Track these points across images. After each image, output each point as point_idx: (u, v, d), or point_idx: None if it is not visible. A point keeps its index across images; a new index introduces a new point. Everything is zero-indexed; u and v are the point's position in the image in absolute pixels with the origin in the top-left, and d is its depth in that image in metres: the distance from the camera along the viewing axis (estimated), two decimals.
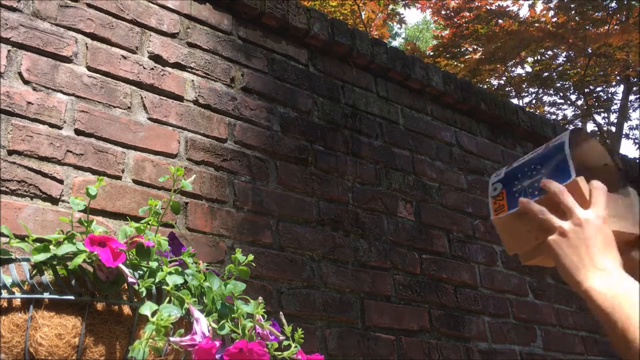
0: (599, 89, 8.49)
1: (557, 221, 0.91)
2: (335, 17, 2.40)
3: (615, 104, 8.68)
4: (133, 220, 1.38)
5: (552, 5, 7.15)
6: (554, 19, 7.17)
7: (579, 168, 1.12)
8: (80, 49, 1.51)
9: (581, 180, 1.06)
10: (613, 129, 8.66)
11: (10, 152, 1.32)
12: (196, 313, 1.00)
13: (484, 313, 2.15)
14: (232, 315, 1.09)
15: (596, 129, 9.03)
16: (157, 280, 1.01)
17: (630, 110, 8.85)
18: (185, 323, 1.04)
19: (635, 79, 8.03)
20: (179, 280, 1.02)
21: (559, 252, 0.89)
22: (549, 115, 8.98)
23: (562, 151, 1.12)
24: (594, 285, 0.81)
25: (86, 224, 1.05)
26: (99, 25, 1.57)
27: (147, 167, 1.53)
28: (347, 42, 2.11)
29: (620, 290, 0.78)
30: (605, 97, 8.66)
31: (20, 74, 1.39)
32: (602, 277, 0.82)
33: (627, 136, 8.86)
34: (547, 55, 7.88)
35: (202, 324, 0.98)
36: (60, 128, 1.41)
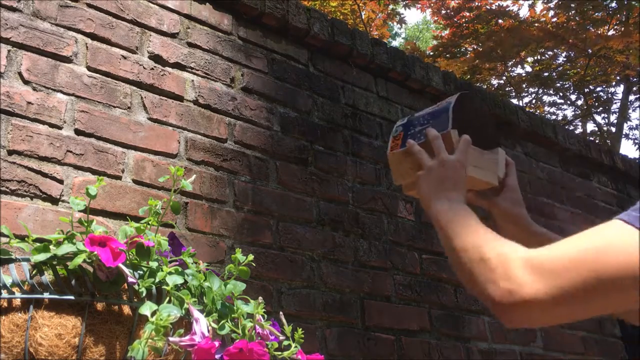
0: (599, 89, 8.49)
1: (427, 160, 1.17)
2: (335, 17, 2.40)
3: (615, 104, 8.68)
4: (133, 220, 1.37)
5: (552, 5, 7.15)
6: (554, 19, 7.17)
7: (466, 125, 1.43)
8: (80, 49, 1.51)
9: (453, 132, 1.36)
10: (613, 129, 8.67)
11: (10, 152, 1.32)
12: (196, 313, 1.00)
13: (484, 313, 2.15)
14: (232, 315, 1.09)
15: (596, 129, 9.02)
16: (157, 280, 1.01)
17: (630, 110, 8.85)
18: (185, 323, 1.04)
19: (635, 79, 8.03)
20: (179, 280, 1.02)
21: (422, 184, 1.14)
22: (549, 115, 8.98)
23: (447, 109, 1.43)
24: (439, 208, 1.05)
25: (86, 224, 1.05)
26: (99, 25, 1.57)
27: (147, 167, 1.53)
28: (347, 42, 2.11)
29: (457, 212, 1.01)
30: (605, 97, 8.66)
31: (20, 74, 1.39)
32: (446, 203, 1.05)
33: (627, 136, 8.86)
34: (547, 55, 7.87)
35: (202, 324, 0.98)
36: (60, 128, 1.41)
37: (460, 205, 1.04)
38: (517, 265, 0.79)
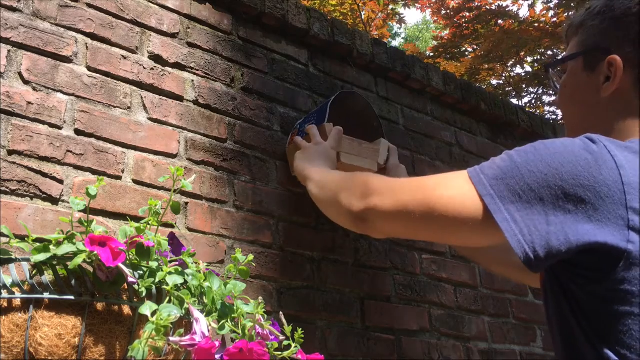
0: None
1: (304, 144, 1.54)
2: (335, 17, 2.40)
3: None
4: (133, 220, 1.38)
5: (552, 5, 7.15)
6: (554, 19, 7.17)
7: (347, 120, 1.74)
8: (80, 49, 1.51)
9: (328, 125, 1.65)
10: None
11: (10, 152, 1.32)
12: (196, 313, 1.00)
13: (484, 313, 2.15)
14: (232, 315, 1.09)
15: None
16: (157, 280, 1.01)
17: None
18: (185, 323, 1.04)
19: None
20: (179, 280, 1.02)
21: (297, 160, 1.45)
22: (548, 115, 8.98)
23: (327, 106, 1.70)
24: (312, 171, 1.33)
25: (86, 224, 1.05)
26: (99, 25, 1.57)
27: (147, 167, 1.53)
28: (347, 42, 2.11)
29: (328, 171, 1.31)
30: None
31: (20, 74, 1.39)
32: (317, 170, 1.33)
33: None
34: (546, 55, 7.88)
35: (202, 324, 0.98)
36: (60, 128, 1.41)
37: (329, 169, 1.34)
38: (374, 184, 1.00)
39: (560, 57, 1.09)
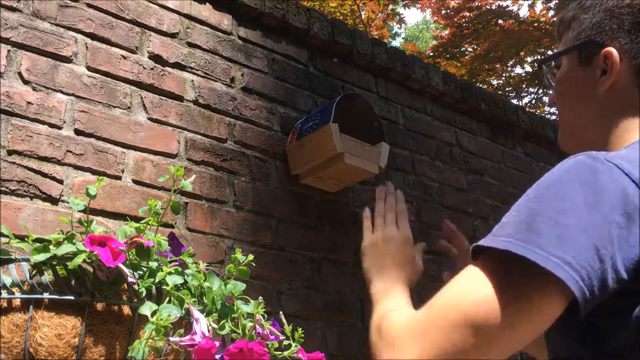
0: None
1: (368, 235, 1.15)
2: (335, 17, 2.40)
3: None
4: (133, 220, 1.37)
5: (552, 5, 7.15)
6: (554, 19, 7.16)
7: (351, 121, 1.74)
8: (80, 49, 1.51)
9: (333, 125, 1.66)
10: None
11: (10, 152, 1.32)
12: (196, 313, 1.00)
13: None
14: (232, 315, 1.09)
15: None
16: (157, 280, 1.01)
17: None
18: (185, 323, 1.04)
19: None
20: (178, 280, 1.02)
21: (365, 257, 1.12)
22: (548, 115, 8.97)
23: (332, 106, 1.71)
24: (374, 289, 1.04)
25: (86, 224, 1.05)
26: (99, 25, 1.56)
27: (147, 167, 1.52)
28: (347, 42, 2.11)
29: (384, 295, 1.03)
30: None
31: (20, 74, 1.39)
32: (381, 284, 1.05)
33: None
34: (546, 55, 7.87)
35: (202, 324, 0.98)
36: (60, 128, 1.41)
37: (395, 287, 1.05)
38: (398, 333, 0.80)
39: (553, 53, 1.05)
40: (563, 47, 1.03)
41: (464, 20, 7.61)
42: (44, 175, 1.35)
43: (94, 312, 0.96)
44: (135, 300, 1.00)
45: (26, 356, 0.91)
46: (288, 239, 1.74)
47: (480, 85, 7.86)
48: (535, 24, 7.11)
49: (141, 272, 1.02)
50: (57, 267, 0.97)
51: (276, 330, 1.14)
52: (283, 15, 1.94)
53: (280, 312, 1.34)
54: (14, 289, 0.95)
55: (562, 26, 1.06)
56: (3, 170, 1.30)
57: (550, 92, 1.06)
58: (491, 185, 2.48)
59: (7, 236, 1.03)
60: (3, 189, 1.28)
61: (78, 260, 0.94)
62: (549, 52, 7.76)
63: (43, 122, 1.39)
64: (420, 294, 1.97)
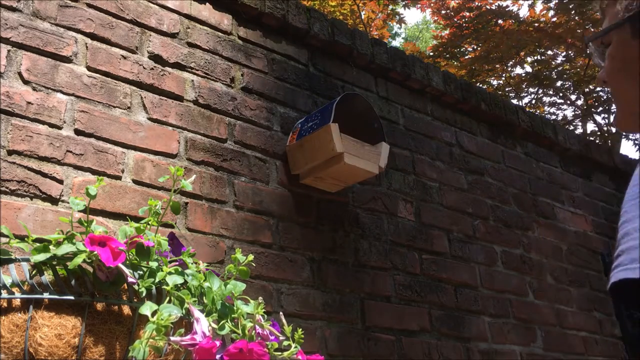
0: (599, 89, 8.48)
1: None
2: (335, 17, 2.40)
3: None
4: (133, 220, 1.37)
5: (552, 5, 7.15)
6: (554, 19, 7.17)
7: (350, 121, 1.76)
8: (80, 49, 1.51)
9: (333, 125, 1.68)
10: (613, 129, 8.66)
11: (10, 152, 1.32)
12: (196, 313, 1.00)
13: (484, 313, 2.15)
14: (232, 315, 1.09)
15: (596, 129, 9.02)
16: (157, 280, 1.01)
17: None
18: (185, 323, 1.04)
19: None
20: (179, 280, 1.02)
21: None
22: (549, 115, 8.97)
23: (332, 106, 1.72)
24: None
25: (86, 224, 1.05)
26: (99, 25, 1.56)
27: (147, 167, 1.52)
28: (347, 42, 2.11)
29: None
30: (605, 97, 8.65)
31: (20, 74, 1.39)
32: None
33: (627, 136, 8.85)
34: (546, 55, 7.87)
35: (203, 324, 0.98)
36: (60, 128, 1.41)
37: None
38: None
39: (602, 28, 0.96)
40: (612, 22, 0.93)
41: (464, 20, 7.60)
42: (44, 175, 1.35)
43: (94, 312, 0.96)
44: (135, 300, 1.00)
45: (26, 356, 0.91)
46: (288, 239, 1.74)
47: (480, 85, 7.86)
48: (536, 24, 7.10)
49: (141, 272, 1.02)
50: (57, 267, 0.97)
51: (276, 330, 1.14)
52: (283, 15, 1.94)
53: (280, 312, 1.34)
54: (14, 289, 0.95)
55: (606, 0, 0.95)
56: (3, 170, 1.30)
57: (599, 70, 0.99)
58: (491, 185, 2.48)
59: (7, 236, 1.03)
60: (3, 189, 1.28)
61: (78, 260, 0.94)
62: (549, 53, 7.76)
63: (43, 122, 1.39)
64: (420, 293, 1.97)
